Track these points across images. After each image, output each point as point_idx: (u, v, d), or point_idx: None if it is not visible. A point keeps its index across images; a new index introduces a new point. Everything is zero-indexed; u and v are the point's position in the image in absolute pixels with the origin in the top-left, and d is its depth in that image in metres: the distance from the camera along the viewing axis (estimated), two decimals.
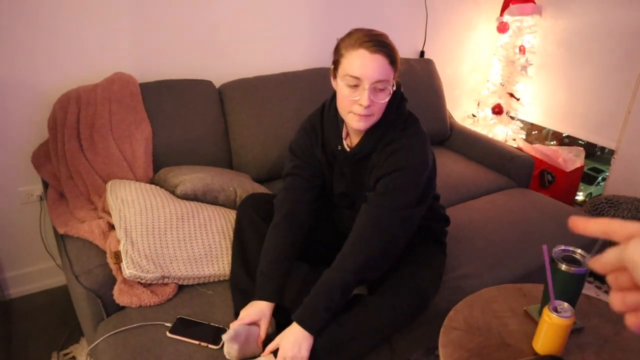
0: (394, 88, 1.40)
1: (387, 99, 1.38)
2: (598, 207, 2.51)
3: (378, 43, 1.33)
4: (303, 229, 1.59)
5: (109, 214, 1.72)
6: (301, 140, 1.62)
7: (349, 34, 1.39)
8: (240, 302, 1.51)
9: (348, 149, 1.52)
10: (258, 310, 1.43)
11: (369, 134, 1.47)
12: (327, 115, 1.56)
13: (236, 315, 1.48)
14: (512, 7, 3.02)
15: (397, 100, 1.47)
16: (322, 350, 1.36)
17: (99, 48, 2.06)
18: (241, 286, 1.56)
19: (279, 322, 1.49)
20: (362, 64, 1.32)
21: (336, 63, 1.40)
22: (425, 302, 1.50)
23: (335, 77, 1.42)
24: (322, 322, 1.37)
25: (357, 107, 1.36)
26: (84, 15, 1.98)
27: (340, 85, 1.38)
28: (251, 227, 1.63)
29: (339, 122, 1.52)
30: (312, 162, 1.60)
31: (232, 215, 1.77)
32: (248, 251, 1.60)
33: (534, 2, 3.04)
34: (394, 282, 1.49)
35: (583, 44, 2.89)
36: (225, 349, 1.33)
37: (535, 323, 1.31)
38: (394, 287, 1.47)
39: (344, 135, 1.53)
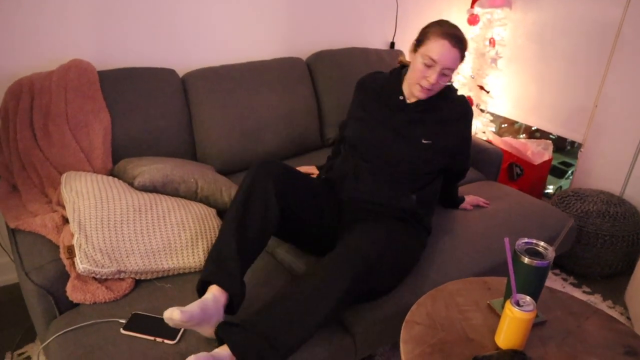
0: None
1: (447, 83, 1.71)
2: (565, 200, 2.52)
3: (459, 40, 1.63)
4: None
5: (64, 207, 1.66)
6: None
7: (439, 23, 1.66)
8: (214, 271, 1.42)
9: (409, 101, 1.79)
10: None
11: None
12: (390, 78, 1.86)
13: (203, 284, 1.41)
14: None
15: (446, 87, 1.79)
16: (270, 326, 1.31)
17: (54, 33, 1.97)
18: (225, 256, 1.44)
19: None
20: (442, 52, 1.61)
21: (419, 41, 1.67)
22: (369, 265, 1.42)
23: (415, 51, 1.70)
24: None
25: (424, 82, 1.66)
26: None
27: (417, 60, 1.67)
28: (263, 201, 1.52)
29: (402, 85, 1.81)
30: None
31: (193, 206, 1.71)
32: (249, 225, 1.49)
33: None
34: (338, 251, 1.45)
35: (552, 37, 2.90)
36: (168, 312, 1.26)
37: (498, 317, 1.29)
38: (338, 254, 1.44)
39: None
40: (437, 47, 1.61)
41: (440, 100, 1.77)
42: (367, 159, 1.79)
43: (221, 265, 1.42)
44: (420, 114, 1.77)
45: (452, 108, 1.79)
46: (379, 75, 1.92)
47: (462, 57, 1.67)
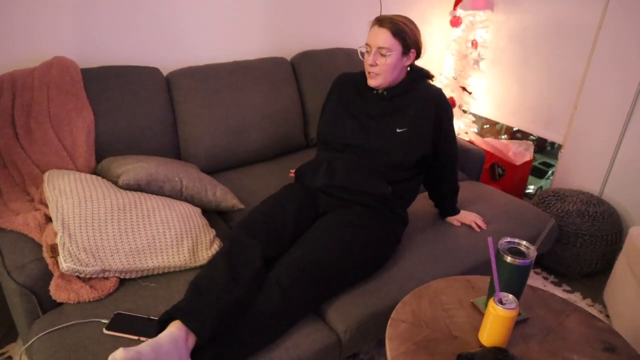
0: (408, 61, 1.80)
1: (389, 63, 1.74)
2: (545, 200, 2.56)
3: (384, 19, 1.74)
4: None
5: (46, 205, 1.64)
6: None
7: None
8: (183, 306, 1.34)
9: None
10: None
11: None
12: (364, 75, 1.89)
13: (170, 315, 1.31)
14: (465, 1, 3.04)
15: (418, 76, 1.86)
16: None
17: (36, 29, 1.95)
18: (205, 291, 1.38)
19: None
20: (372, 34, 1.76)
21: None
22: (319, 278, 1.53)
23: None
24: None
25: (367, 67, 1.79)
26: None
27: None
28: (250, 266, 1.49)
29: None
30: None
31: (177, 205, 1.71)
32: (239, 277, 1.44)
33: None
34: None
35: (533, 39, 2.94)
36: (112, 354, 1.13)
37: (482, 315, 1.31)
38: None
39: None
40: (369, 34, 1.77)
41: (412, 83, 1.83)
42: (341, 150, 1.85)
43: (197, 301, 1.34)
44: (392, 103, 1.83)
45: (424, 92, 1.83)
46: (356, 73, 1.97)
47: (394, 34, 1.72)
